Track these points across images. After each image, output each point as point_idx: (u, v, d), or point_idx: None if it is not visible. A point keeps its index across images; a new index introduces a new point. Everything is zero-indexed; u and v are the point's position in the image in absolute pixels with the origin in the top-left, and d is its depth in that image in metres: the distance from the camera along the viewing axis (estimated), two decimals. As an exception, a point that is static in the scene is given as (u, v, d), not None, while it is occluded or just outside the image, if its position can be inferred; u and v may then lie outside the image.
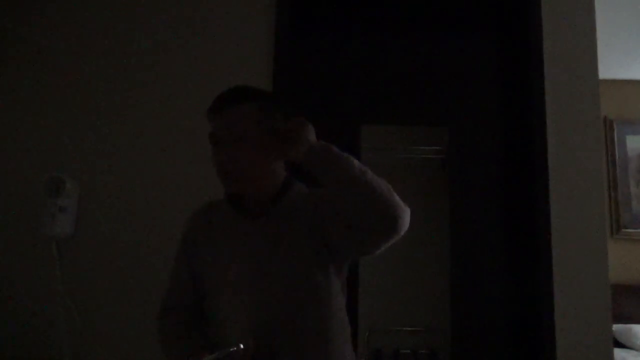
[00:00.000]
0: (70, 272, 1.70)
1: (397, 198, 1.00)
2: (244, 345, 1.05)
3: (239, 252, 1.16)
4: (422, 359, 2.23)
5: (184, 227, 1.28)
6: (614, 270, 1.84)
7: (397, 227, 0.98)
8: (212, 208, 1.28)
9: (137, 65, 1.83)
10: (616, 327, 3.26)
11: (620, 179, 3.89)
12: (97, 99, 1.81)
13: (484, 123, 2.12)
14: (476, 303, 2.02)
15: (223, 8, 1.86)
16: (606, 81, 3.87)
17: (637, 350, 3.21)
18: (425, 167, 2.38)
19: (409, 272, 2.28)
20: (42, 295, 1.69)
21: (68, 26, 1.86)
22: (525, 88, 1.87)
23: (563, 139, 1.80)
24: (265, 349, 1.08)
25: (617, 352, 3.01)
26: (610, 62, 3.57)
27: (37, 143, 1.79)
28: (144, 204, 1.74)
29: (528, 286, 1.80)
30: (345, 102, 2.12)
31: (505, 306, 1.97)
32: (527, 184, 1.84)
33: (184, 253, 1.26)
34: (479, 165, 2.10)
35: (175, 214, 1.74)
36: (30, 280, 1.70)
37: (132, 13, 1.87)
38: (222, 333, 1.14)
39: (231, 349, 1.04)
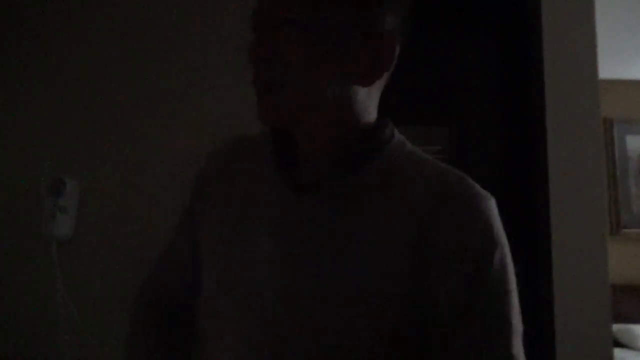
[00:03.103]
0: (70, 273, 1.70)
1: None
2: None
3: (273, 244, 0.69)
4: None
5: (196, 176, 0.88)
6: (614, 270, 1.84)
7: None
8: (244, 147, 0.82)
9: (138, 65, 1.83)
10: (616, 327, 3.26)
11: (620, 179, 3.90)
12: (98, 99, 1.81)
13: (484, 123, 2.11)
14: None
15: (224, 8, 1.86)
16: (606, 81, 3.87)
17: (637, 350, 3.21)
18: (425, 167, 2.38)
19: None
20: (42, 295, 1.69)
21: (69, 26, 1.86)
22: (525, 88, 1.87)
23: (563, 139, 1.80)
24: None
25: (617, 352, 3.01)
26: (610, 62, 3.57)
27: (37, 143, 1.79)
28: (144, 205, 1.74)
29: (528, 286, 1.80)
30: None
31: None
32: (527, 183, 1.84)
33: (188, 218, 0.87)
34: (479, 165, 2.10)
35: (176, 215, 1.74)
36: (30, 280, 1.70)
37: (133, 13, 1.86)
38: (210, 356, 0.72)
39: None
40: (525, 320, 0.74)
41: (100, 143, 1.78)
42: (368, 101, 0.73)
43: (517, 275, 0.71)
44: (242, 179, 0.77)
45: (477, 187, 0.68)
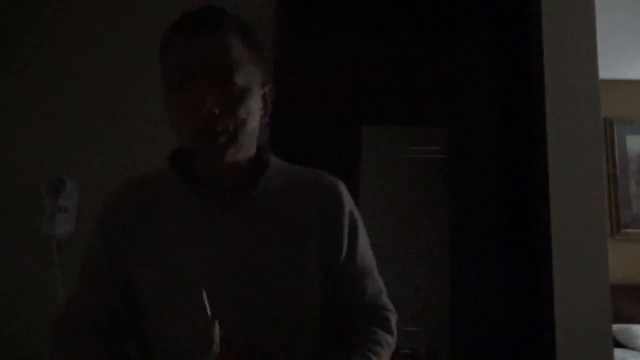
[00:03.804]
0: (70, 273, 1.70)
1: None
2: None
3: (207, 258, 0.85)
4: (422, 359, 2.24)
5: (102, 209, 0.98)
6: (614, 270, 1.84)
7: None
8: (146, 186, 0.96)
9: (138, 65, 1.83)
10: (616, 327, 3.26)
11: (620, 179, 3.89)
12: (98, 99, 1.81)
13: (484, 123, 2.12)
14: (476, 303, 2.02)
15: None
16: (606, 81, 3.87)
17: (637, 350, 3.21)
18: (425, 167, 2.38)
19: (408, 272, 2.29)
20: (42, 295, 1.69)
21: (69, 26, 1.86)
22: (525, 88, 1.87)
23: (563, 139, 1.80)
24: None
25: (617, 352, 3.01)
26: (610, 62, 3.57)
27: (37, 143, 1.79)
28: (144, 204, 1.74)
29: (528, 286, 1.80)
30: (346, 103, 2.12)
31: (505, 306, 1.97)
32: (527, 183, 1.84)
33: (105, 244, 0.92)
34: (479, 165, 2.10)
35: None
36: (30, 280, 1.70)
37: (132, 13, 1.87)
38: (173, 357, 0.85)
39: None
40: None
41: (100, 143, 1.78)
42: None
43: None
44: (159, 207, 0.90)
45: (332, 177, 0.94)
